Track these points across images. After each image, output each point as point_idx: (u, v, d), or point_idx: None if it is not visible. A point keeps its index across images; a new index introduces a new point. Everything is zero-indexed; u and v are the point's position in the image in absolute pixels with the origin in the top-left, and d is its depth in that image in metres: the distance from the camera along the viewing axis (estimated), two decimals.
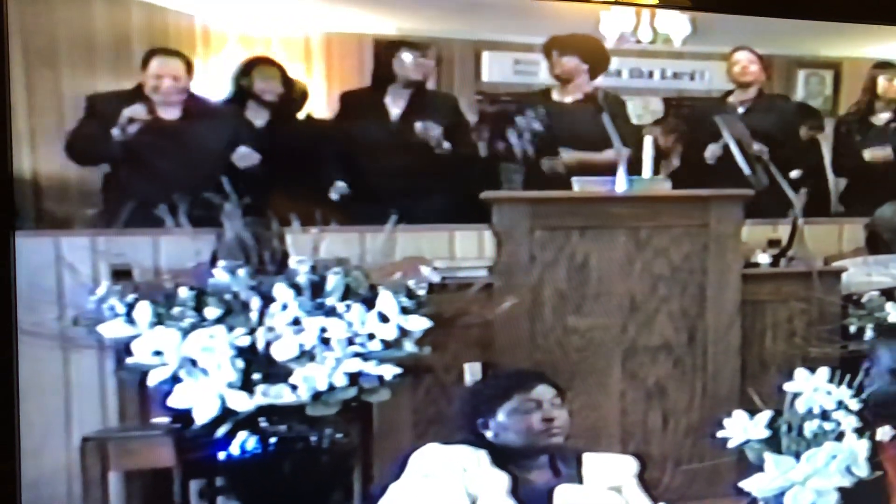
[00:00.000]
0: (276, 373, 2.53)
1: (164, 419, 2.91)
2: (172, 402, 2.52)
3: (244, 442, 2.58)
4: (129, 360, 2.54)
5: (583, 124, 4.01)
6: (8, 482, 2.97)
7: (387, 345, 2.59)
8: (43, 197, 3.48)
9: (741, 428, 2.53)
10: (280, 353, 2.52)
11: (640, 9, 4.28)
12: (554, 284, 3.30)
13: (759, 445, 2.52)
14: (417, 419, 3.15)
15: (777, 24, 4.20)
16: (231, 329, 2.52)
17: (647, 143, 3.59)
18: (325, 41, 4.06)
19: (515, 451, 2.41)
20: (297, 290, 2.58)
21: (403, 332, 2.61)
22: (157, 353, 2.50)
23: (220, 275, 2.60)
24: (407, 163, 3.92)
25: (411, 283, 2.68)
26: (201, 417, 2.50)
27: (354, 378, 2.56)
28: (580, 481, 2.42)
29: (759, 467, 2.50)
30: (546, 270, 3.30)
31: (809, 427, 2.51)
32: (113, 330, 2.56)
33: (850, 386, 2.56)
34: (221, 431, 2.55)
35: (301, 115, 3.97)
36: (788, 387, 2.58)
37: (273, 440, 2.59)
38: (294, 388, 2.52)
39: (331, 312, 2.57)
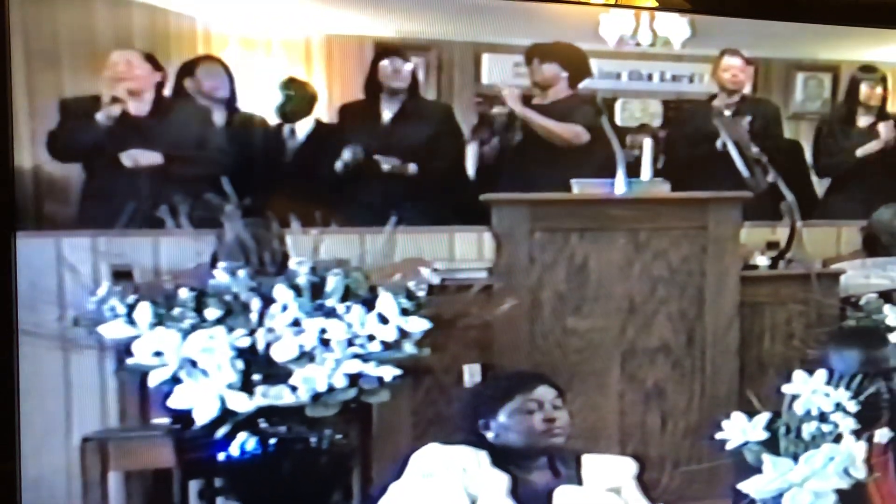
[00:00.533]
0: (276, 374, 2.54)
1: (164, 420, 2.91)
2: (172, 402, 2.52)
3: (244, 443, 2.58)
4: (129, 361, 2.55)
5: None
6: (8, 482, 2.98)
7: (386, 346, 2.59)
8: (44, 197, 3.48)
9: (739, 429, 2.53)
10: (280, 354, 2.53)
11: (640, 11, 4.29)
12: (553, 286, 3.31)
13: (758, 447, 2.52)
14: (417, 420, 3.15)
15: (776, 28, 4.21)
16: (231, 330, 2.52)
17: (647, 145, 3.59)
18: (325, 43, 4.06)
19: (516, 451, 2.42)
20: (297, 291, 2.58)
21: (403, 334, 2.61)
22: (158, 354, 2.51)
23: (220, 276, 2.60)
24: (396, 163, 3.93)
25: (411, 284, 2.69)
26: (201, 418, 2.51)
27: (354, 379, 2.57)
28: (579, 482, 2.43)
29: (758, 469, 2.50)
30: (545, 272, 3.30)
31: (807, 429, 2.51)
32: (113, 330, 2.56)
33: (848, 388, 2.57)
34: (221, 432, 2.55)
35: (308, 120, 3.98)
36: (787, 389, 2.58)
37: (273, 441, 2.59)
38: (294, 389, 2.53)
39: (331, 314, 2.58)
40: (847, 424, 2.53)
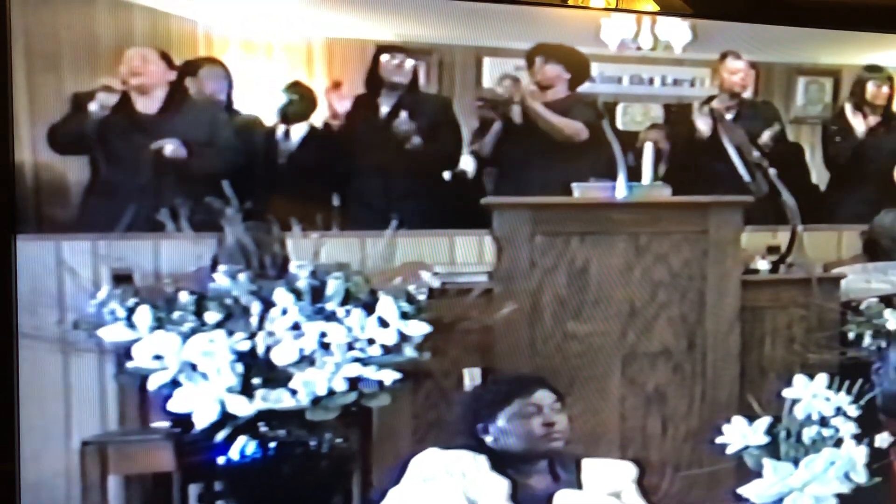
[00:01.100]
0: (276, 377, 2.53)
1: (164, 423, 2.91)
2: (172, 406, 2.52)
3: (244, 446, 2.58)
4: (129, 365, 2.55)
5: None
6: (7, 485, 2.97)
7: (386, 350, 2.59)
8: (44, 200, 3.48)
9: (740, 434, 2.54)
10: (280, 357, 2.52)
11: (641, 16, 4.29)
12: (554, 290, 3.30)
13: (758, 451, 2.52)
14: (417, 424, 3.14)
15: (777, 32, 4.21)
16: (231, 333, 2.52)
17: (648, 149, 3.59)
18: (326, 47, 4.06)
19: (515, 456, 2.42)
20: (298, 294, 2.58)
21: (403, 338, 2.61)
22: (158, 358, 2.51)
23: (220, 279, 2.60)
24: (391, 160, 3.93)
25: (411, 288, 2.69)
26: (201, 422, 2.50)
27: (354, 383, 2.56)
28: (579, 487, 2.43)
29: (758, 473, 2.50)
30: (546, 276, 3.30)
31: (808, 433, 2.52)
32: (113, 334, 2.56)
33: (849, 392, 2.56)
34: (221, 436, 2.55)
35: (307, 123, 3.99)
36: (787, 393, 2.58)
37: (272, 445, 2.59)
38: (294, 392, 2.52)
39: (331, 317, 2.58)
40: (848, 429, 2.52)
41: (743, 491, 2.51)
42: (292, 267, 2.64)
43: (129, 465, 3.13)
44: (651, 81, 4.53)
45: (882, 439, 2.65)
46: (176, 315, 2.56)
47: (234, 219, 2.67)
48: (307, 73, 4.01)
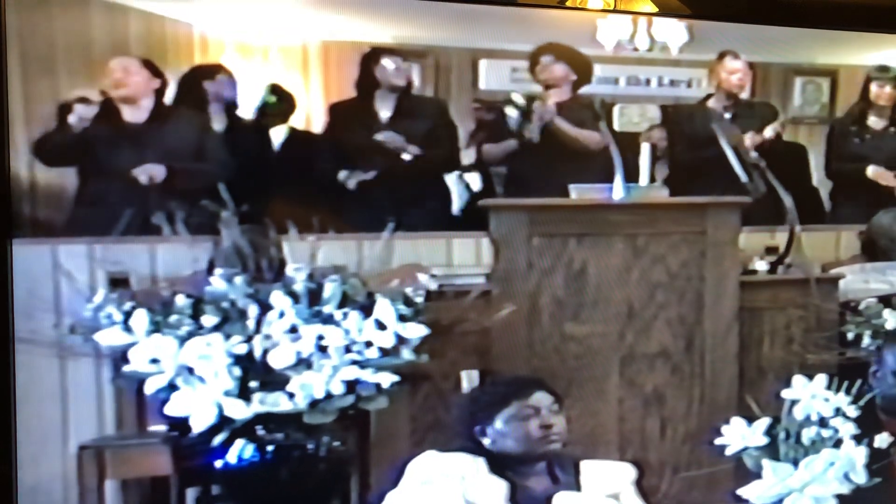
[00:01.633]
0: (274, 381, 2.53)
1: (161, 427, 2.90)
2: (169, 410, 2.52)
3: (241, 450, 2.58)
4: (126, 368, 2.54)
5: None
6: (5, 490, 2.96)
7: (384, 352, 2.59)
8: (40, 204, 3.47)
9: (739, 435, 2.53)
10: (277, 360, 2.52)
11: (638, 17, 4.29)
12: (552, 291, 3.30)
13: (758, 452, 2.52)
14: (415, 427, 3.13)
15: (774, 32, 4.20)
16: (228, 337, 2.52)
17: (645, 150, 3.59)
18: (322, 49, 4.06)
19: (513, 458, 2.41)
20: (295, 297, 2.57)
21: (401, 340, 2.60)
22: (154, 361, 2.51)
23: (217, 283, 2.59)
24: (395, 164, 3.93)
25: (409, 290, 2.68)
26: (198, 425, 2.50)
27: (352, 386, 2.56)
28: (578, 488, 2.42)
29: (758, 474, 2.50)
30: (544, 277, 3.29)
31: (807, 434, 2.51)
32: (110, 338, 2.56)
33: (848, 393, 2.56)
34: (218, 439, 2.55)
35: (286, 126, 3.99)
36: (786, 394, 2.58)
37: (270, 448, 2.59)
38: (291, 396, 2.52)
39: (328, 320, 2.57)
40: (847, 429, 2.52)
41: (742, 492, 2.50)
42: (289, 270, 2.63)
43: (127, 469, 3.12)
44: (648, 82, 4.53)
45: (882, 440, 2.64)
46: (173, 319, 2.55)
47: (231, 222, 2.66)
48: (302, 76, 4.01)
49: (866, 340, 3.28)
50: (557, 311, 3.30)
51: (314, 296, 2.60)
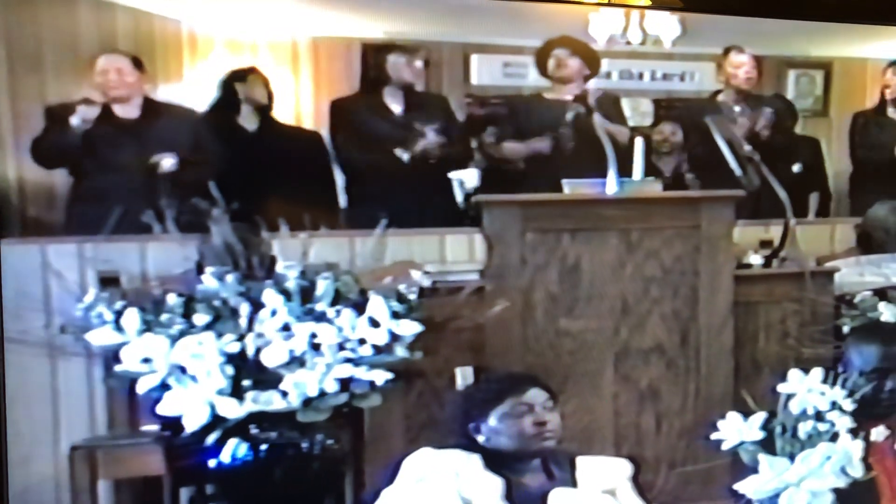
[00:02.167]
0: (267, 379, 2.52)
1: (154, 427, 2.90)
2: (162, 409, 2.50)
3: (235, 449, 2.57)
4: (117, 368, 2.52)
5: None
6: None
7: (378, 350, 2.57)
8: (28, 204, 3.47)
9: (735, 430, 2.51)
10: (270, 359, 2.51)
11: (630, 10, 4.28)
12: (545, 287, 3.29)
13: (754, 447, 2.50)
14: (409, 424, 3.13)
15: (767, 25, 4.20)
16: (220, 335, 2.50)
17: (638, 144, 3.57)
18: (312, 45, 4.06)
19: (508, 455, 2.40)
20: (287, 295, 2.56)
21: (394, 337, 2.59)
22: (146, 361, 2.49)
23: (208, 281, 2.58)
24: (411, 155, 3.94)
25: (402, 287, 2.67)
26: (191, 425, 2.48)
27: (345, 384, 2.55)
28: (574, 485, 2.41)
29: (754, 469, 2.48)
30: (537, 273, 3.28)
31: (804, 428, 2.50)
32: (101, 337, 2.53)
33: (843, 386, 2.55)
34: (211, 439, 2.53)
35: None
36: (782, 388, 2.56)
37: (264, 447, 2.57)
38: (284, 394, 2.51)
39: (321, 318, 2.56)
40: (843, 423, 2.51)
41: (739, 487, 2.49)
42: (280, 267, 2.62)
43: (119, 470, 3.12)
44: (641, 76, 4.53)
45: (877, 433, 2.63)
46: (164, 317, 2.53)
47: (221, 219, 2.64)
48: (293, 71, 4.01)
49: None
50: (551, 306, 3.29)
51: (307, 293, 2.59)
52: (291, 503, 2.63)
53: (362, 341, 2.56)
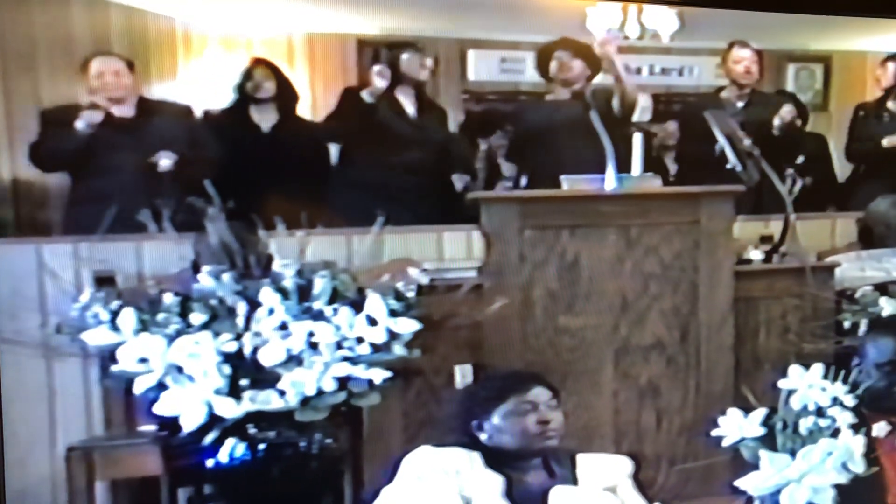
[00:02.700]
0: (264, 378, 2.51)
1: (151, 427, 2.88)
2: (159, 409, 2.49)
3: (232, 449, 2.56)
4: (113, 368, 2.52)
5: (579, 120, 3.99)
6: None
7: (376, 348, 2.57)
8: (23, 203, 3.46)
9: (736, 426, 2.51)
10: (267, 358, 2.50)
11: (627, 4, 4.27)
12: (544, 284, 3.28)
13: (754, 443, 2.49)
14: (408, 422, 3.12)
15: (766, 18, 4.19)
16: (217, 335, 2.50)
17: (637, 140, 3.56)
18: (307, 42, 4.04)
19: (510, 453, 2.39)
20: (284, 294, 2.55)
21: (392, 335, 2.58)
22: (143, 361, 2.48)
23: (205, 280, 2.57)
24: (423, 159, 3.94)
25: (400, 285, 2.66)
26: (188, 425, 2.48)
27: (343, 382, 2.54)
28: (574, 482, 2.40)
29: (755, 465, 2.48)
30: (536, 270, 3.27)
31: (805, 424, 2.49)
32: (97, 337, 2.53)
33: (845, 382, 2.54)
34: (209, 438, 2.52)
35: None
36: (783, 384, 2.55)
37: (262, 446, 2.57)
38: (282, 393, 2.50)
39: (318, 316, 2.55)
40: (844, 419, 2.50)
41: (740, 483, 2.48)
42: (277, 266, 2.61)
43: (116, 471, 3.11)
44: (639, 71, 4.51)
45: (879, 428, 2.63)
46: (160, 317, 2.53)
47: (217, 218, 2.63)
48: (288, 67, 4.00)
49: (863, 329, 3.26)
50: (550, 303, 3.28)
51: (304, 292, 2.58)
52: (290, 503, 2.62)
53: (360, 340, 2.55)
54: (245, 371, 2.50)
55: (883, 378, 2.76)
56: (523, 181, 4.12)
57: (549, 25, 4.09)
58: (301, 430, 2.58)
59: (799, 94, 4.72)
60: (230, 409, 2.47)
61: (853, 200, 4.34)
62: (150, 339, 2.48)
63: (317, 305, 2.57)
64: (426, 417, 3.11)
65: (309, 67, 4.09)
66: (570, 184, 3.42)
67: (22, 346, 2.83)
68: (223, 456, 2.55)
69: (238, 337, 2.51)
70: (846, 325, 3.33)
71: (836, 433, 2.49)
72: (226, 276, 2.56)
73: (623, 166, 3.41)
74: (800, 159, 4.30)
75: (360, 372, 2.53)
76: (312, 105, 4.10)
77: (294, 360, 2.52)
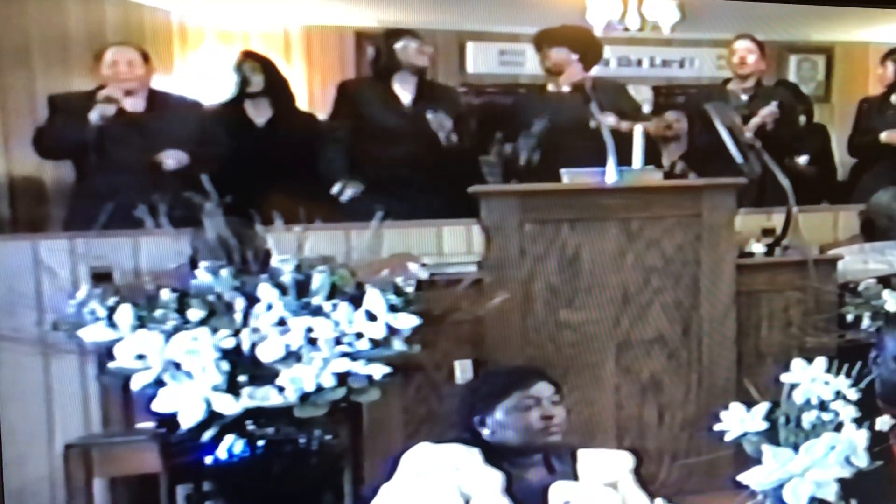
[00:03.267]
0: (263, 374, 2.50)
1: (149, 424, 2.87)
2: (157, 406, 2.48)
3: (231, 445, 2.55)
4: (111, 365, 2.50)
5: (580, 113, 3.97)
6: None
7: (375, 343, 2.55)
8: (19, 199, 3.45)
9: (738, 420, 2.50)
10: (266, 354, 2.48)
11: None
12: (545, 278, 3.27)
13: (757, 438, 2.48)
14: (408, 418, 3.12)
15: (768, 9, 4.17)
16: (215, 331, 2.48)
17: (638, 133, 3.54)
18: (304, 35, 4.02)
19: (511, 449, 2.38)
20: (282, 289, 2.54)
21: (392, 331, 2.57)
22: (140, 357, 2.47)
23: (202, 275, 2.55)
24: (419, 150, 3.92)
25: (399, 280, 2.64)
26: (187, 421, 2.46)
27: (343, 378, 2.53)
28: (575, 478, 2.39)
29: (758, 460, 2.47)
30: (537, 264, 3.26)
31: (807, 418, 2.48)
32: (94, 334, 2.51)
33: (848, 375, 2.53)
34: (208, 435, 2.51)
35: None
36: (785, 378, 2.54)
37: (261, 443, 2.56)
38: (281, 389, 2.49)
39: (317, 312, 2.54)
40: (848, 412, 2.49)
41: (742, 478, 2.47)
42: (275, 261, 2.59)
43: (115, 468, 3.11)
44: (639, 63, 4.50)
45: (883, 422, 2.61)
46: (158, 313, 2.52)
47: (215, 213, 2.61)
48: (285, 60, 3.98)
49: (866, 322, 3.26)
50: (551, 298, 3.27)
51: (302, 287, 2.57)
52: (290, 499, 2.62)
53: (359, 335, 2.54)
54: (243, 367, 2.49)
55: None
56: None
57: (549, 17, 4.07)
58: (300, 427, 2.56)
59: (801, 86, 4.71)
60: (229, 406, 2.46)
61: (855, 193, 4.33)
62: (148, 335, 2.47)
63: (315, 301, 2.55)
64: (426, 413, 3.10)
65: (306, 61, 4.07)
66: (571, 177, 3.41)
67: (19, 343, 2.82)
68: (222, 453, 2.55)
69: (236, 333, 2.49)
70: (849, 318, 3.32)
71: (839, 427, 2.48)
72: (223, 272, 2.54)
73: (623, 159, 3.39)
74: (803, 159, 4.29)
75: (360, 368, 2.52)
76: (310, 99, 4.09)
77: (293, 356, 2.51)
